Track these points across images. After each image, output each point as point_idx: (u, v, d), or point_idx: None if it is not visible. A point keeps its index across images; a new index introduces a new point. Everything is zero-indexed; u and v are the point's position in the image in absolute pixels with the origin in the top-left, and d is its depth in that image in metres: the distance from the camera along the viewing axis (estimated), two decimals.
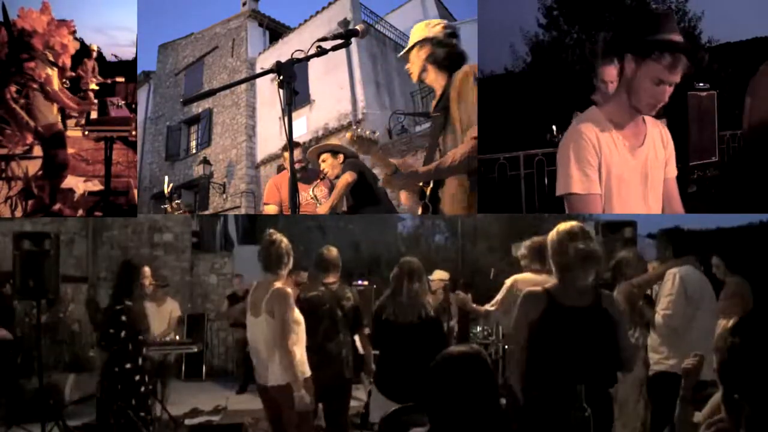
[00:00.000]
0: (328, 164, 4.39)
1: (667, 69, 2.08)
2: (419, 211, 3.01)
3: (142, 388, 3.88)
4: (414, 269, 3.82)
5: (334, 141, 6.63)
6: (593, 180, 2.10)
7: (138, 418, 3.72)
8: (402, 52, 3.01)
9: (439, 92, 2.91)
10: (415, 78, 2.99)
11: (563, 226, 2.57)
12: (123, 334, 3.80)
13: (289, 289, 3.31)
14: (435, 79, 2.91)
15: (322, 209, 4.42)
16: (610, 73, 3.17)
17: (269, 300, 3.23)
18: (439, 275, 6.07)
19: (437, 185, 2.94)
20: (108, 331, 3.86)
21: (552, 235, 2.60)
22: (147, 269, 4.36)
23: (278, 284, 3.30)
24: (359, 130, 2.85)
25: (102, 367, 3.89)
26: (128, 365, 3.80)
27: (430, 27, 2.90)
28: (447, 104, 2.81)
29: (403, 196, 3.30)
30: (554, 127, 4.26)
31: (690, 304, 3.40)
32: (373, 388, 3.90)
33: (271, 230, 3.43)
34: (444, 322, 3.97)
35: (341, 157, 4.39)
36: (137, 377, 3.85)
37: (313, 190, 4.52)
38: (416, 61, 2.92)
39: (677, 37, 2.11)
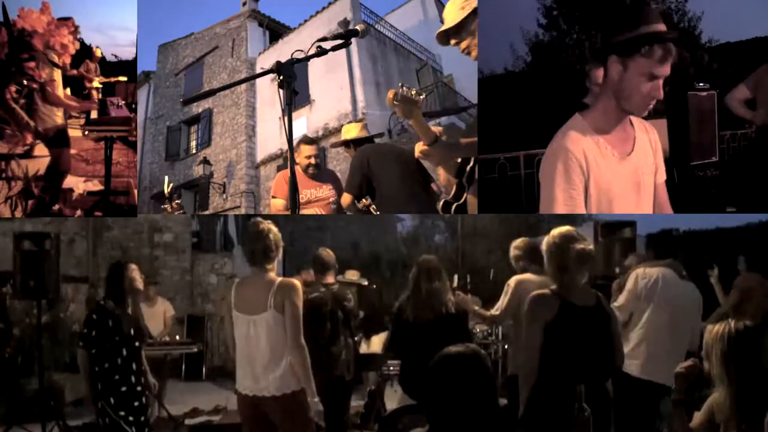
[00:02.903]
0: (351, 151, 4.31)
1: (659, 62, 1.96)
2: (452, 191, 2.85)
3: (123, 388, 3.87)
4: (432, 267, 3.80)
5: (333, 141, 6.65)
6: (578, 202, 2.02)
7: (117, 417, 3.69)
8: (450, 27, 2.67)
9: None
10: (474, 55, 2.71)
11: (559, 230, 2.63)
12: (95, 333, 3.77)
13: (297, 282, 3.00)
14: None
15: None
16: (600, 76, 3.12)
17: (278, 293, 2.87)
18: None
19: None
20: (83, 331, 3.87)
21: (549, 239, 2.65)
22: (134, 267, 4.20)
23: (279, 278, 2.99)
24: (404, 88, 2.48)
25: (87, 368, 3.90)
26: (107, 365, 3.79)
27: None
28: None
29: (441, 173, 3.08)
30: None
31: (639, 300, 3.42)
32: (399, 389, 3.86)
33: (258, 219, 3.03)
34: (465, 318, 3.85)
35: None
36: (117, 377, 3.85)
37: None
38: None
39: (662, 27, 1.99)
